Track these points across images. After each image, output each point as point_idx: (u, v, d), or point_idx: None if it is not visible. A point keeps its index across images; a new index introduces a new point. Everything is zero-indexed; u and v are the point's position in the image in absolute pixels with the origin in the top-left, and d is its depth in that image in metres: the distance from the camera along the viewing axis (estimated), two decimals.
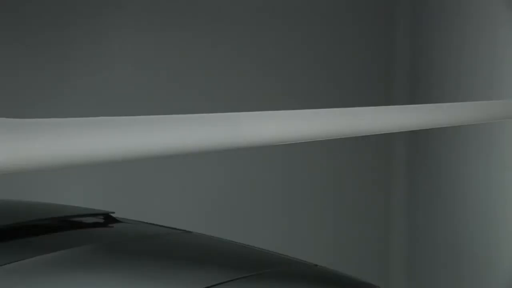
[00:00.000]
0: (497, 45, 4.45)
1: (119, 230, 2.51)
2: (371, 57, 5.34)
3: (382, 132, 2.03)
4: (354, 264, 5.17)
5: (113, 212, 2.60)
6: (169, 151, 1.49)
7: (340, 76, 5.28)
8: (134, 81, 4.82)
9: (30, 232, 2.26)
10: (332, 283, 2.25)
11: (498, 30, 4.44)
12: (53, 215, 2.52)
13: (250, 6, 5.03)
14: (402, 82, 5.31)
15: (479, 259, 4.57)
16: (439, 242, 4.94)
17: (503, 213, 4.44)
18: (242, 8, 5.02)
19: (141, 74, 4.84)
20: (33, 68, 4.65)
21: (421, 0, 5.18)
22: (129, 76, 4.81)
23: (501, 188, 4.44)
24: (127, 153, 1.41)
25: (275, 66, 5.12)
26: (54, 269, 1.96)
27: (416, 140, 5.19)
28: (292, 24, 5.16)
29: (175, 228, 2.59)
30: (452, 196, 4.83)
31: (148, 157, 1.45)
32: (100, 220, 2.55)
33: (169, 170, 4.87)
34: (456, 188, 4.80)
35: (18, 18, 4.62)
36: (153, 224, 2.65)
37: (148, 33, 4.85)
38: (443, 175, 4.92)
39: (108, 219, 2.56)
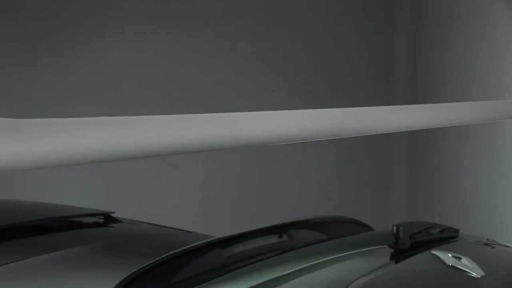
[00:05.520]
0: (497, 45, 4.45)
1: (119, 230, 2.50)
2: (371, 57, 5.34)
3: (382, 132, 2.03)
4: None
5: (113, 212, 2.59)
6: (168, 150, 1.49)
7: (340, 76, 5.28)
8: (134, 81, 4.82)
9: (30, 232, 2.26)
10: None
11: (498, 29, 4.44)
12: (53, 215, 2.52)
13: (250, 7, 5.03)
14: (402, 82, 5.31)
15: None
16: None
17: (503, 213, 4.43)
18: (242, 9, 5.02)
19: (141, 74, 4.85)
20: (33, 68, 4.65)
21: (421, 0, 5.18)
22: (129, 76, 4.81)
23: (501, 187, 4.44)
24: (126, 152, 1.41)
25: (275, 66, 5.12)
26: (54, 269, 1.96)
27: (416, 140, 5.19)
28: (292, 25, 5.15)
29: (175, 228, 2.58)
30: (452, 196, 4.83)
31: (147, 156, 1.45)
32: (100, 220, 2.55)
33: (169, 170, 4.87)
34: (456, 187, 4.80)
35: (19, 18, 4.62)
36: (153, 224, 2.65)
37: (149, 33, 4.85)
38: (443, 175, 4.92)
39: (108, 219, 2.56)
